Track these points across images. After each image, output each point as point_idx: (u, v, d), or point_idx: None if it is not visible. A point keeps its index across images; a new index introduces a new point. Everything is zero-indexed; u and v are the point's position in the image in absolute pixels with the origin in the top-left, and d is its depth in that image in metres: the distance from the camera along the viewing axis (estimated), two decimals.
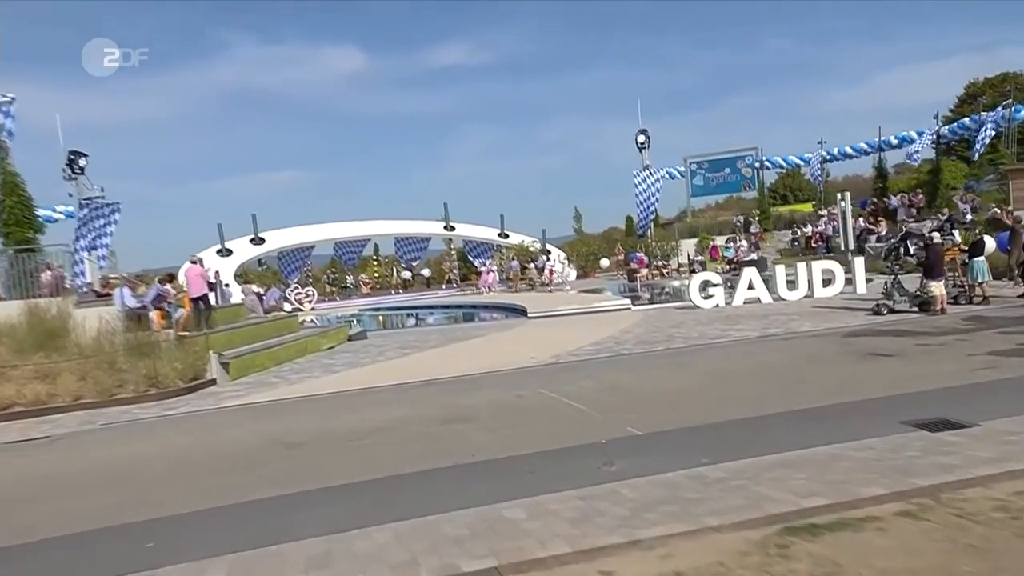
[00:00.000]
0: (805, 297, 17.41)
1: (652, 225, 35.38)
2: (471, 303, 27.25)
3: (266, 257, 36.76)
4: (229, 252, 33.83)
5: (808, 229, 32.00)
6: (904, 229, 14.61)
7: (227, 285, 29.80)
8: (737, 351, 11.01)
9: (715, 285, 17.63)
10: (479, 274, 34.34)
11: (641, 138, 39.19)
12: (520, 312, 21.17)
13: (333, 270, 42.06)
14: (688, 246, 37.49)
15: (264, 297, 19.30)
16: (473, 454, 6.36)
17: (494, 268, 33.41)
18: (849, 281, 17.57)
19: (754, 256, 28.41)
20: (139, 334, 11.80)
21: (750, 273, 17.58)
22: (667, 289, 29.03)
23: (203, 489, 6.02)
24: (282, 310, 19.04)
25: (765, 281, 17.65)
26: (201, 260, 14.10)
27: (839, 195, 25.17)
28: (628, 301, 19.95)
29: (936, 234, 13.18)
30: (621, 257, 35.94)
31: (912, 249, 13.26)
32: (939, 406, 6.37)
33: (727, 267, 31.40)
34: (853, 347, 10.32)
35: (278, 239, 35.76)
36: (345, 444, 7.22)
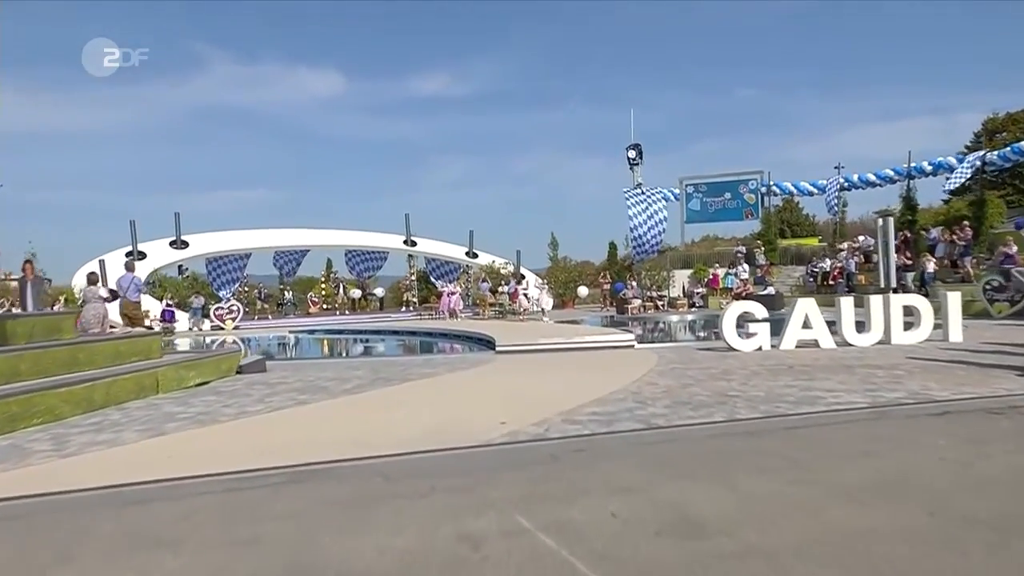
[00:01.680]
0: (879, 343, 12.69)
1: (657, 252, 30.50)
2: (427, 329, 22.14)
3: (191, 265, 31.24)
4: (142, 256, 28.39)
5: (826, 264, 27.61)
6: None
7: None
8: (874, 434, 6.10)
9: (758, 321, 12.81)
10: (440, 296, 29.28)
11: (632, 153, 34.98)
12: (486, 344, 16.14)
13: (282, 286, 36.68)
14: (682, 277, 33.07)
15: (120, 292, 13.24)
16: None
17: (457, 290, 28.36)
18: (938, 325, 12.95)
19: (771, 290, 23.83)
20: None
21: (806, 306, 12.78)
22: (662, 324, 24.31)
23: None
24: (133, 310, 13.23)
25: (830, 324, 12.88)
26: None
27: (879, 220, 20.83)
28: (631, 336, 15.01)
29: None
30: (606, 286, 31.21)
31: None
32: None
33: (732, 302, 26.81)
34: None
35: (204, 243, 30.37)
36: None
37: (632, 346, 14.39)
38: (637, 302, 26.24)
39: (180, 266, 29.62)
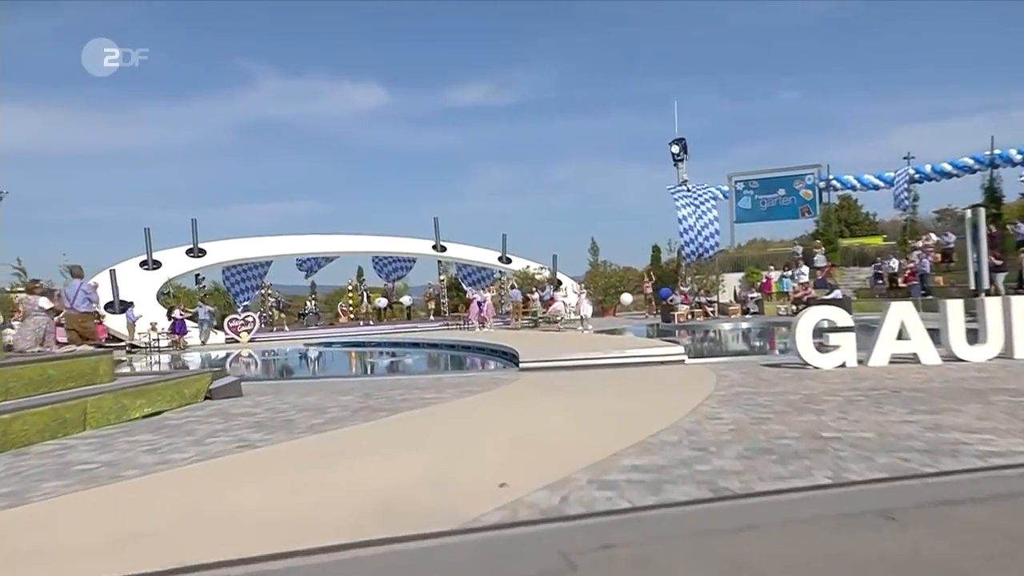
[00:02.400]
0: (999, 357, 10.11)
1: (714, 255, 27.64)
2: (449, 341, 20.06)
3: (210, 274, 29.77)
4: (157, 264, 27.00)
5: (894, 264, 24.71)
6: None
7: (129, 305, 22.97)
8: None
9: (839, 330, 10.32)
10: (469, 304, 27.19)
11: (676, 148, 32.52)
12: (510, 359, 14.00)
13: (313, 295, 35.03)
14: (732, 281, 30.40)
15: (66, 303, 11.15)
16: None
17: (487, 298, 26.23)
18: None
19: (837, 294, 21.14)
20: None
21: (902, 312, 10.26)
22: (714, 333, 21.81)
23: None
24: (81, 323, 11.15)
25: (934, 332, 10.33)
26: None
27: (969, 212, 18.10)
28: (680, 349, 12.64)
29: None
30: (649, 290, 28.69)
31: None
32: None
33: (792, 307, 24.13)
34: None
35: (223, 251, 28.88)
36: None
37: (682, 361, 12.05)
38: (684, 308, 23.76)
39: (197, 275, 28.18)
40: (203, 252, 28.14)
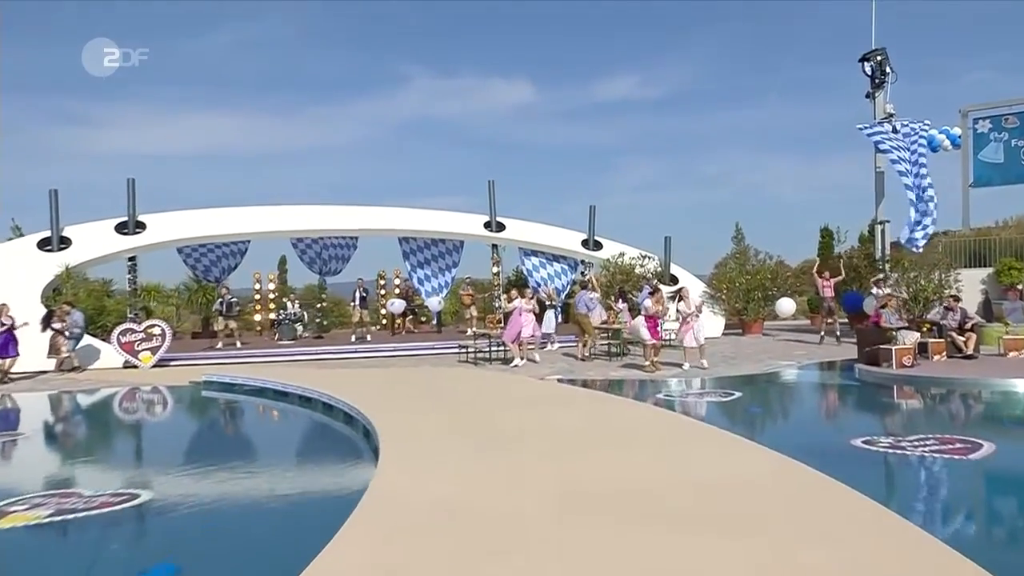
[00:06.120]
0: None
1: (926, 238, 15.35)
2: (325, 397, 9.17)
3: (148, 260, 20.93)
4: (64, 244, 18.44)
5: None
6: None
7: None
8: None
9: None
10: (510, 314, 16.36)
11: (868, 68, 20.18)
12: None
13: (292, 296, 25.42)
14: (972, 281, 17.98)
15: None
16: None
17: (530, 307, 15.29)
18: None
19: None
20: None
21: None
22: (979, 400, 10.08)
23: None
24: None
25: None
26: None
27: None
28: None
29: None
30: (829, 292, 16.45)
31: None
32: None
33: None
34: None
35: (169, 227, 19.81)
36: None
37: None
38: (913, 338, 11.65)
39: (131, 258, 19.42)
40: (142, 226, 19.28)
